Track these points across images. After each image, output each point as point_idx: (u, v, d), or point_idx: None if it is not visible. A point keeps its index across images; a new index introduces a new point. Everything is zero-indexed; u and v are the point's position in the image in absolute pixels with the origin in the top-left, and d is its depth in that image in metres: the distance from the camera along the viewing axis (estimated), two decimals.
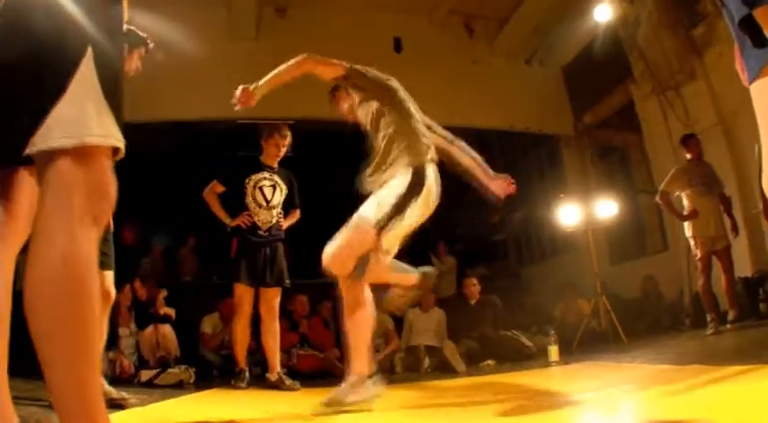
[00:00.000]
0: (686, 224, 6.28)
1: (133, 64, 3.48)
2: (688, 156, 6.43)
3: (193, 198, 5.46)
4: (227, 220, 5.09)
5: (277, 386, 4.89)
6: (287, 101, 8.38)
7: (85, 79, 1.39)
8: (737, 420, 1.93)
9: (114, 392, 3.40)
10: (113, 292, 3.55)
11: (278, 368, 5.03)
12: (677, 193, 6.37)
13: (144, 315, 6.43)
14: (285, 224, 5.29)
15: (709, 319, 6.01)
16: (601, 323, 7.31)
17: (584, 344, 6.85)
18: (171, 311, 6.58)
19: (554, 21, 9.24)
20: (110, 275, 3.50)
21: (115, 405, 3.25)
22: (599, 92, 9.71)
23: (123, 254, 8.17)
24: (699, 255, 6.18)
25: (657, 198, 6.44)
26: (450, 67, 9.24)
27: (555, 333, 5.94)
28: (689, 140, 6.48)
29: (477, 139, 12.33)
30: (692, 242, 6.26)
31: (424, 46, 9.38)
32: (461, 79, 9.34)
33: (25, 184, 1.60)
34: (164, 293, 6.74)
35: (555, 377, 4.95)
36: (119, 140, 1.44)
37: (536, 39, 9.83)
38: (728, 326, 5.94)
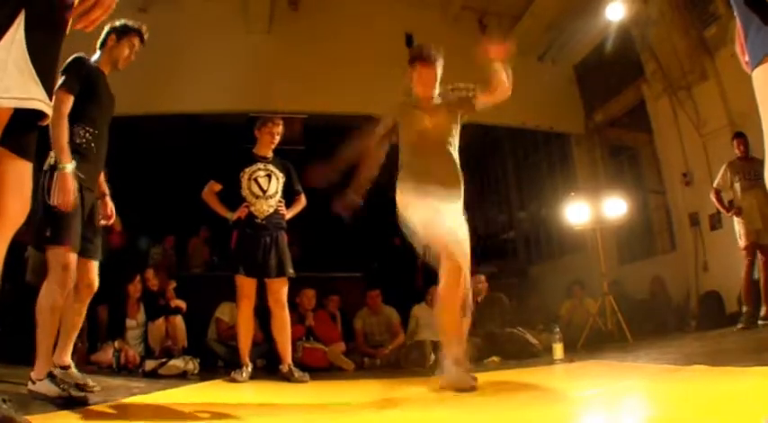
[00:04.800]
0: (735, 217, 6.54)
1: (123, 53, 3.51)
2: (737, 152, 6.65)
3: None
4: (227, 215, 5.11)
5: (287, 378, 4.93)
6: (299, 95, 8.47)
7: (13, 41, 1.36)
8: (735, 420, 1.94)
9: (80, 377, 3.33)
10: (96, 282, 3.46)
11: (289, 360, 5.06)
12: (728, 186, 6.60)
13: (154, 306, 6.48)
14: (291, 213, 5.27)
15: (744, 311, 6.26)
16: (607, 323, 7.29)
17: (590, 343, 6.87)
18: (182, 304, 6.61)
19: (567, 19, 9.22)
20: (94, 265, 3.43)
21: (80, 389, 3.14)
22: (610, 90, 9.70)
23: (133, 246, 8.22)
24: (742, 244, 6.42)
25: (711, 194, 6.70)
26: (461, 63, 9.22)
27: (560, 331, 5.94)
28: (737, 138, 6.70)
29: (488, 135, 12.36)
30: (737, 233, 6.48)
31: (435, 41, 9.33)
32: (473, 75, 9.30)
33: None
34: (173, 285, 6.78)
35: (558, 375, 4.96)
36: (38, 103, 1.42)
37: (549, 36, 9.82)
38: (760, 322, 6.05)
